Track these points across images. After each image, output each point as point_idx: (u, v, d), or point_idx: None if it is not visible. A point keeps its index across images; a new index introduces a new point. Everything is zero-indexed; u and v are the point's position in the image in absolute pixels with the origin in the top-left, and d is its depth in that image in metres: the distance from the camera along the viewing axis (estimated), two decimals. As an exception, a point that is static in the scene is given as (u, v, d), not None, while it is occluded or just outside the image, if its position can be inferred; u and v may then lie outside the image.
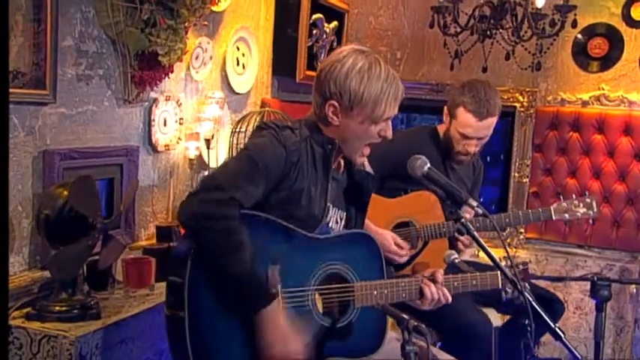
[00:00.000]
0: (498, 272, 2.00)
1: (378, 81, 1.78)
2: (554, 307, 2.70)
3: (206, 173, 3.13)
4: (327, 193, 1.87)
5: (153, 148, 2.79)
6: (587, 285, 2.28)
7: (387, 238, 2.41)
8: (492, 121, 2.57)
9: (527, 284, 1.91)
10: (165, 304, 1.77)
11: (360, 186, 1.99)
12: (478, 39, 3.36)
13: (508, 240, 3.96)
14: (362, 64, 1.78)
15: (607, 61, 3.80)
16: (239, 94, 3.40)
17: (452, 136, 2.62)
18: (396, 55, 4.24)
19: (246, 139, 3.08)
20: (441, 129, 2.70)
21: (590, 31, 3.79)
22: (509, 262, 1.90)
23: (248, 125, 3.18)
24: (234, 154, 3.12)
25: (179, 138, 2.93)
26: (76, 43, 2.34)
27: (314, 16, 3.72)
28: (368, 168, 2.03)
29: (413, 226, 2.60)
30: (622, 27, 3.74)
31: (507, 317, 2.97)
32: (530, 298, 1.79)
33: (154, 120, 2.75)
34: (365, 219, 2.06)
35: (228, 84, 3.29)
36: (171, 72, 2.71)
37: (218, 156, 3.14)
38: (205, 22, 2.87)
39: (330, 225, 1.92)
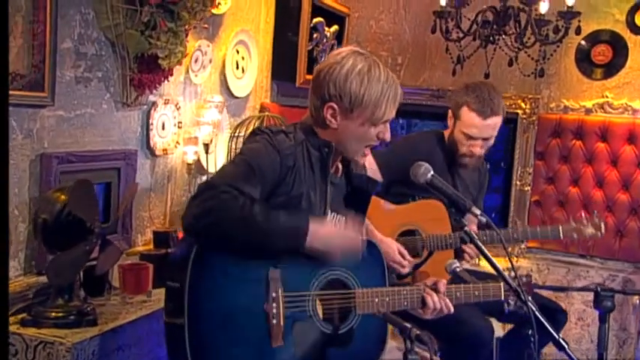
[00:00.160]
0: (501, 283, 2.02)
1: (378, 83, 1.80)
2: (557, 317, 2.73)
3: (204, 178, 3.15)
4: (327, 197, 1.88)
5: (151, 152, 2.81)
6: (590, 296, 2.30)
7: (392, 247, 2.42)
8: (496, 120, 2.59)
9: (529, 296, 1.92)
10: (164, 310, 1.78)
11: (359, 190, 2.01)
12: (481, 45, 3.39)
13: (509, 249, 3.98)
14: (361, 65, 1.80)
15: (611, 69, 3.83)
16: (238, 98, 3.42)
17: (456, 138, 2.64)
18: (397, 60, 4.26)
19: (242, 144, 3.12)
20: (447, 133, 2.73)
21: (594, 38, 3.82)
22: (512, 273, 1.91)
23: (247, 130, 3.21)
24: (231, 159, 3.14)
25: (177, 142, 2.95)
26: (75, 45, 2.37)
27: (314, 20, 3.75)
28: (369, 172, 2.05)
29: (419, 235, 2.61)
30: (626, 34, 3.77)
31: (509, 327, 2.99)
32: (534, 309, 1.81)
33: (152, 124, 2.77)
34: (364, 223, 2.07)
35: (228, 88, 3.32)
36: (171, 75, 2.73)
37: (216, 161, 3.16)
38: (205, 25, 2.89)
39: (329, 230, 1.93)
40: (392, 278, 2.05)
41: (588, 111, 3.89)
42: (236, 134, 3.20)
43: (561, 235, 2.68)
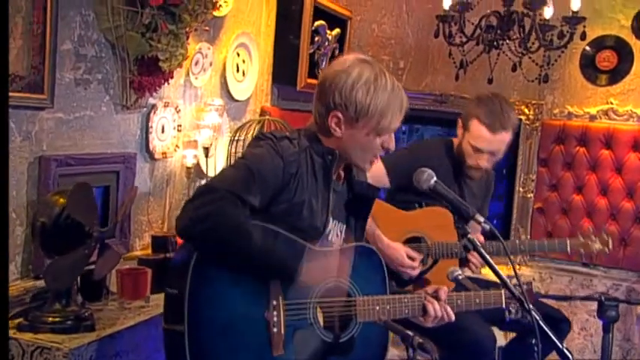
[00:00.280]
0: (502, 291, 2.03)
1: (384, 92, 1.81)
2: (560, 326, 2.74)
3: (203, 182, 3.16)
4: (329, 204, 1.89)
5: (150, 155, 2.82)
6: (593, 305, 2.32)
7: (400, 251, 2.44)
8: (506, 136, 2.60)
9: (531, 304, 1.93)
10: (163, 317, 1.78)
11: (360, 197, 2.02)
12: (484, 49, 3.40)
13: (511, 257, 3.98)
14: (368, 75, 1.81)
15: (616, 75, 3.85)
16: (238, 101, 3.44)
17: (464, 149, 2.65)
18: (399, 65, 4.28)
19: (245, 149, 3.13)
20: (456, 142, 2.75)
21: (599, 44, 3.84)
22: (515, 281, 1.92)
23: (247, 134, 3.22)
24: (233, 162, 3.16)
25: (177, 146, 2.96)
26: (75, 46, 2.38)
27: (316, 23, 3.76)
28: (374, 179, 2.06)
29: (424, 242, 2.62)
30: (632, 40, 3.79)
31: (511, 336, 3.00)
32: (538, 318, 1.82)
33: (151, 127, 2.79)
34: (365, 230, 2.09)
35: (228, 91, 3.33)
36: (171, 78, 2.75)
37: (216, 165, 3.17)
38: (207, 28, 2.91)
39: (330, 238, 1.94)
40: (392, 286, 2.06)
41: (592, 117, 3.90)
42: (236, 138, 3.22)
43: (568, 249, 2.71)
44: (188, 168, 3.00)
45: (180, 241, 2.57)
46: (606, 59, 3.86)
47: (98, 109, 2.53)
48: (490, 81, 3.52)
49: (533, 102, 4.01)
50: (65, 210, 2.03)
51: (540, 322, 1.83)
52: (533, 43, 3.28)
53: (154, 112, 2.80)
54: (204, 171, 3.08)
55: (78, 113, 2.43)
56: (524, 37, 3.27)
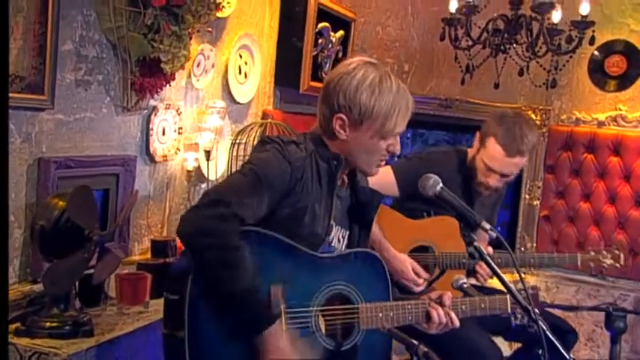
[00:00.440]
0: (507, 296, 2.04)
1: (389, 95, 1.82)
2: (567, 337, 2.74)
3: (204, 186, 3.18)
4: (332, 210, 1.90)
5: (150, 158, 2.84)
6: (601, 316, 2.32)
7: (406, 264, 2.44)
8: (521, 160, 2.59)
9: (537, 310, 1.94)
10: (163, 322, 1.80)
11: (364, 204, 2.03)
12: (491, 53, 3.42)
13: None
14: (373, 77, 1.82)
15: (625, 80, 3.85)
16: (240, 103, 3.46)
17: (477, 164, 2.64)
18: (404, 68, 4.29)
19: (247, 151, 3.15)
20: (470, 153, 2.74)
21: (608, 49, 3.85)
22: (521, 288, 1.93)
23: (248, 137, 3.24)
24: (234, 166, 3.17)
25: (177, 148, 2.98)
26: (76, 47, 2.40)
27: (320, 25, 3.78)
28: (379, 186, 2.07)
29: (432, 252, 2.62)
30: (641, 45, 3.81)
31: (516, 346, 3.01)
32: (545, 327, 1.83)
33: (152, 129, 2.81)
34: (369, 237, 2.10)
35: (230, 93, 3.35)
36: (173, 79, 2.77)
37: (217, 168, 3.19)
38: (209, 29, 2.93)
39: (332, 244, 1.95)
40: (394, 291, 2.07)
41: (601, 124, 3.90)
42: (237, 141, 3.24)
43: (579, 263, 2.71)
44: (189, 171, 3.02)
45: (180, 246, 2.59)
46: (615, 64, 3.86)
47: (98, 111, 2.55)
48: (496, 86, 3.54)
49: (541, 107, 4.02)
50: (65, 213, 2.04)
51: (547, 332, 1.83)
52: (540, 48, 3.30)
53: (155, 114, 2.82)
54: (205, 174, 3.10)
55: (78, 115, 2.45)
56: (531, 42, 3.29)
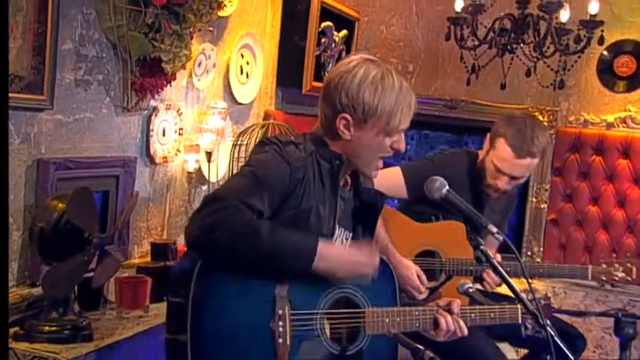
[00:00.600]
0: (518, 306, 2.04)
1: (392, 91, 1.83)
2: (575, 343, 2.75)
3: (204, 188, 3.20)
4: (336, 212, 1.91)
5: (150, 159, 2.86)
6: (610, 322, 2.32)
7: (411, 270, 2.44)
8: (531, 162, 2.58)
9: (548, 321, 1.95)
10: (165, 326, 1.81)
11: (368, 205, 2.04)
12: (497, 53, 3.43)
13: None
14: (374, 74, 1.82)
15: (634, 81, 3.86)
16: (242, 104, 3.47)
17: (487, 166, 2.64)
18: (408, 68, 4.30)
19: (248, 152, 3.16)
20: (480, 155, 2.73)
21: (617, 49, 3.86)
22: (530, 295, 1.93)
23: (250, 138, 3.25)
24: (235, 167, 3.19)
25: (178, 150, 2.99)
26: (76, 46, 2.42)
27: (323, 24, 3.79)
28: (387, 190, 2.08)
29: (438, 258, 2.63)
30: (651, 45, 3.82)
31: (523, 352, 3.02)
32: (553, 333, 1.84)
33: (152, 130, 2.82)
34: (373, 238, 2.10)
35: (231, 93, 3.37)
36: (174, 79, 2.78)
37: (218, 170, 3.20)
38: (211, 28, 2.94)
39: (336, 246, 1.97)
40: (403, 298, 2.08)
41: (610, 125, 3.92)
42: (239, 142, 3.25)
43: (589, 276, 2.69)
44: (189, 173, 3.03)
45: (181, 248, 2.60)
46: (625, 65, 3.87)
47: (98, 111, 2.56)
48: (503, 86, 3.55)
49: (548, 109, 4.03)
50: (65, 215, 2.06)
51: (556, 338, 1.84)
52: (548, 48, 3.31)
53: (156, 115, 2.83)
54: (206, 176, 3.11)
55: (77, 115, 2.47)
56: (539, 41, 3.30)
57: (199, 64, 3.06)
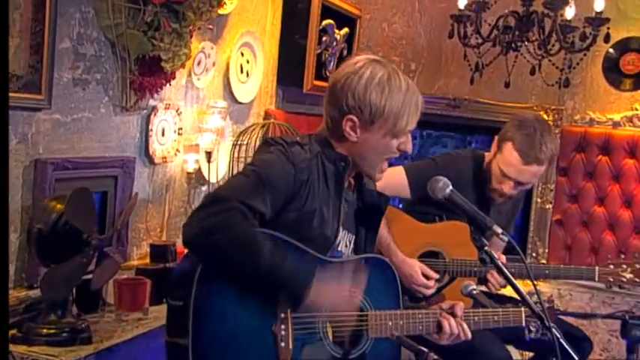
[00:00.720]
0: (522, 309, 2.05)
1: (399, 92, 1.83)
2: (581, 345, 2.75)
3: (204, 188, 3.20)
4: (340, 214, 1.91)
5: (149, 159, 2.86)
6: (616, 324, 2.32)
7: (415, 268, 2.44)
8: (538, 169, 2.56)
9: (552, 324, 1.95)
10: (166, 329, 1.81)
11: (371, 207, 2.04)
12: (501, 51, 3.43)
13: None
14: (381, 75, 1.83)
15: (641, 79, 3.88)
16: (242, 103, 3.48)
17: (493, 169, 2.63)
18: (411, 67, 4.31)
19: (249, 152, 3.16)
20: (487, 157, 2.72)
21: (624, 46, 3.86)
22: (535, 298, 1.94)
23: (250, 138, 3.26)
24: (235, 167, 3.19)
25: (177, 150, 3.00)
26: (74, 45, 2.42)
27: (324, 22, 3.79)
28: (390, 190, 2.09)
29: (442, 258, 2.63)
30: (658, 42, 3.83)
31: (528, 355, 3.02)
32: (559, 336, 1.84)
33: (151, 129, 2.83)
34: (375, 241, 2.11)
35: (231, 92, 3.37)
36: (173, 78, 2.78)
37: (218, 170, 3.20)
38: (210, 26, 2.95)
39: (339, 248, 1.97)
40: (405, 301, 2.08)
41: (616, 124, 3.92)
42: (239, 142, 3.25)
43: (596, 277, 2.67)
44: (189, 173, 3.03)
45: (180, 250, 2.60)
46: (631, 63, 3.88)
47: (97, 111, 2.57)
48: (507, 85, 3.55)
49: (553, 107, 4.03)
50: (63, 216, 2.06)
51: (561, 340, 1.84)
52: (553, 45, 3.31)
53: (155, 115, 2.84)
54: (206, 176, 3.11)
55: (76, 115, 2.47)
56: (544, 39, 3.30)
57: (199, 63, 3.06)
